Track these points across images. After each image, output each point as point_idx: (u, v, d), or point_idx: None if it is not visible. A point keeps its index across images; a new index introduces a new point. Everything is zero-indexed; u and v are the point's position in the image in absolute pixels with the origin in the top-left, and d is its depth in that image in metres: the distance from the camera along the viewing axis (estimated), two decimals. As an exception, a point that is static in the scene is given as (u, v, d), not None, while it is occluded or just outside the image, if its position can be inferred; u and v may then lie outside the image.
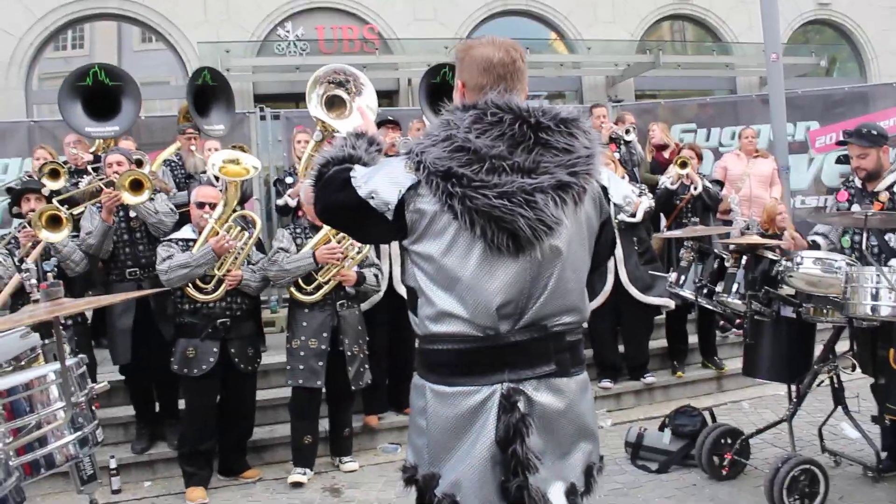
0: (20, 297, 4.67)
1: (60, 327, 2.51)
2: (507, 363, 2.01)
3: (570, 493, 2.07)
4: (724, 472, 4.83)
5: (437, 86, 7.33)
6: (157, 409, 5.83)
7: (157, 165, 7.05)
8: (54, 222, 5.21)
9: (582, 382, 2.14)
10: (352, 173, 2.12)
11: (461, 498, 2.00)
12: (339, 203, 2.14)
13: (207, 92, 7.75)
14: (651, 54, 12.49)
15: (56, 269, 5.38)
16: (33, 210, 5.33)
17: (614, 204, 2.25)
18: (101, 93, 7.23)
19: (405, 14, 12.23)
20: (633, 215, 6.46)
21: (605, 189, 2.21)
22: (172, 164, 7.24)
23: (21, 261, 5.19)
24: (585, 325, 2.29)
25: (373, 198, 2.03)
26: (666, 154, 8.28)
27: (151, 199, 5.49)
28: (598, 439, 2.21)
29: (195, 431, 5.11)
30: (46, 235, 5.16)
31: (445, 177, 1.95)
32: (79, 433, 2.62)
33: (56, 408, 2.56)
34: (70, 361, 2.68)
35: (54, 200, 5.46)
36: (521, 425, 1.96)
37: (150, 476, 5.58)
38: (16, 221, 6.73)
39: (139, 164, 6.28)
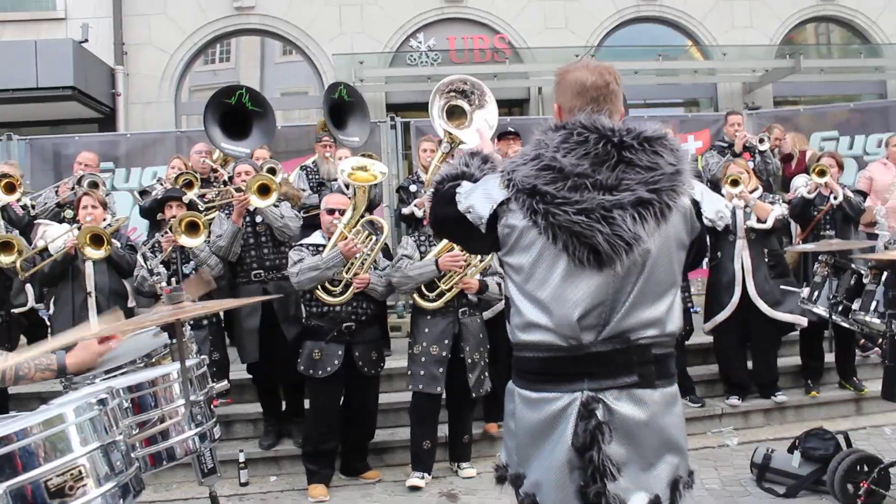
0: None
1: (182, 329, 2.68)
2: (588, 372, 2.10)
3: None
4: (860, 502, 4.57)
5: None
6: (284, 407, 6.07)
7: (292, 178, 7.43)
8: (192, 228, 5.55)
9: (668, 395, 2.18)
10: (458, 189, 2.30)
11: (541, 498, 2.13)
12: (445, 216, 2.35)
13: (343, 106, 8.11)
14: (791, 59, 11.99)
15: (195, 272, 5.71)
16: (174, 216, 5.69)
17: (707, 219, 2.27)
18: (240, 113, 7.79)
19: (536, 23, 12.24)
20: (763, 221, 6.22)
21: (697, 204, 2.24)
22: (308, 169, 7.57)
23: (163, 264, 5.56)
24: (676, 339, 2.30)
25: (470, 212, 2.21)
26: (792, 166, 7.94)
27: (277, 206, 5.74)
28: (686, 453, 2.24)
29: (319, 431, 5.29)
30: (185, 241, 5.52)
31: (531, 194, 2.08)
32: (198, 429, 2.78)
33: (178, 404, 2.75)
34: (191, 362, 2.87)
35: (203, 216, 5.82)
36: (597, 432, 2.04)
37: (276, 471, 5.82)
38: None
39: (272, 172, 6.57)
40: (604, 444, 2.04)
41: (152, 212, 6.81)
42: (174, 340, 2.99)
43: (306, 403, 5.61)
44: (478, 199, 2.21)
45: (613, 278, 2.08)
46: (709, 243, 6.69)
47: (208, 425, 2.83)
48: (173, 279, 5.64)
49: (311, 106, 12.39)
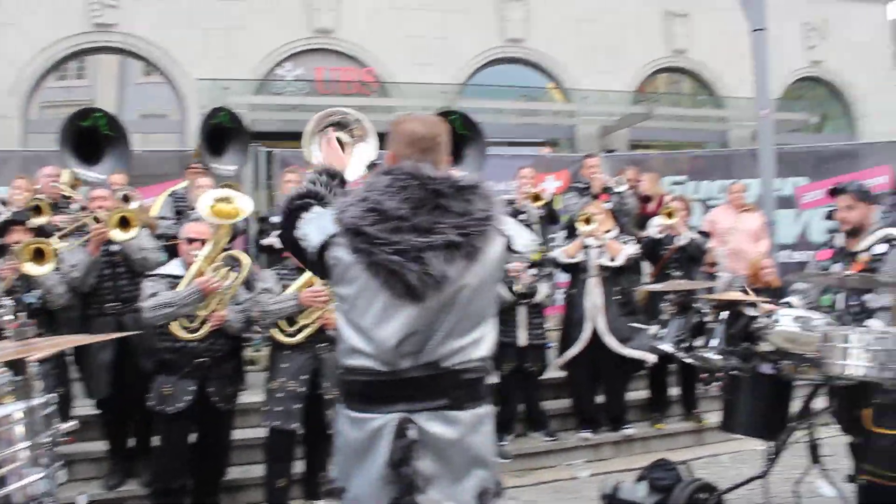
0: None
1: (29, 367, 2.52)
2: (404, 396, 2.34)
3: None
4: (699, 528, 4.80)
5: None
6: (132, 444, 5.78)
7: (160, 203, 7.15)
8: (39, 255, 5.21)
9: (477, 416, 2.41)
10: (304, 213, 2.51)
11: None
12: (286, 238, 2.56)
13: (224, 132, 7.88)
14: (646, 105, 12.64)
15: (40, 301, 5.38)
16: (17, 242, 5.33)
17: (516, 252, 2.59)
18: (95, 136, 7.41)
19: (404, 58, 12.38)
20: (613, 259, 6.50)
21: (509, 239, 2.51)
22: (176, 195, 7.29)
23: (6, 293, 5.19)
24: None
25: (303, 239, 2.46)
26: (650, 207, 8.34)
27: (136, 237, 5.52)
28: (494, 467, 2.48)
29: (168, 469, 5.06)
30: (30, 269, 5.16)
31: (356, 233, 2.30)
32: (40, 474, 2.62)
33: (18, 448, 2.58)
34: (38, 401, 2.69)
35: (51, 241, 5.46)
36: (409, 450, 2.27)
37: (121, 514, 5.52)
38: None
39: (126, 199, 6.30)
40: (415, 460, 2.27)
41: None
42: (20, 378, 2.81)
43: (156, 440, 5.38)
44: (312, 229, 2.44)
45: (427, 311, 2.31)
46: (565, 279, 7.01)
47: (53, 469, 2.66)
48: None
49: (171, 130, 12.03)
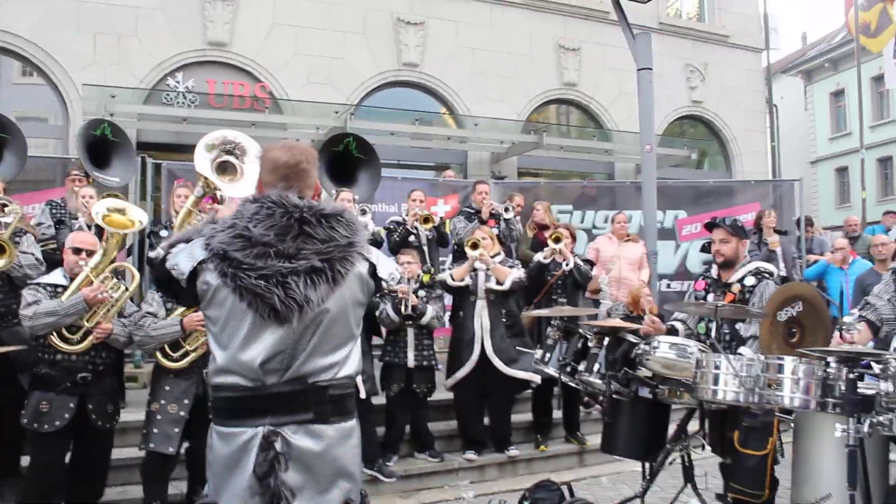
0: None
1: None
2: (269, 410, 2.41)
3: None
4: (579, 547, 4.94)
5: (339, 154, 7.70)
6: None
7: (38, 211, 6.87)
8: None
9: (343, 430, 2.52)
10: (172, 249, 2.59)
11: None
12: (161, 276, 2.61)
13: (106, 144, 7.62)
14: (535, 135, 12.98)
15: None
16: None
17: (380, 278, 2.66)
18: None
19: (300, 75, 12.32)
20: (502, 283, 6.65)
21: (374, 266, 2.63)
22: (54, 204, 7.00)
23: None
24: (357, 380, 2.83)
25: (174, 269, 2.51)
26: (547, 234, 8.55)
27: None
28: (359, 480, 2.59)
29: (40, 490, 4.81)
30: None
31: (223, 258, 2.40)
32: None
33: None
34: None
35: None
36: (274, 462, 2.35)
37: (-16, 537, 5.23)
38: None
39: (1, 208, 6.02)
40: (280, 471, 2.35)
41: None
42: None
43: (24, 460, 5.11)
44: (182, 258, 2.50)
45: (292, 332, 2.41)
46: (452, 303, 7.09)
47: None
48: None
49: (50, 135, 11.54)
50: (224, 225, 2.48)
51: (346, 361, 2.54)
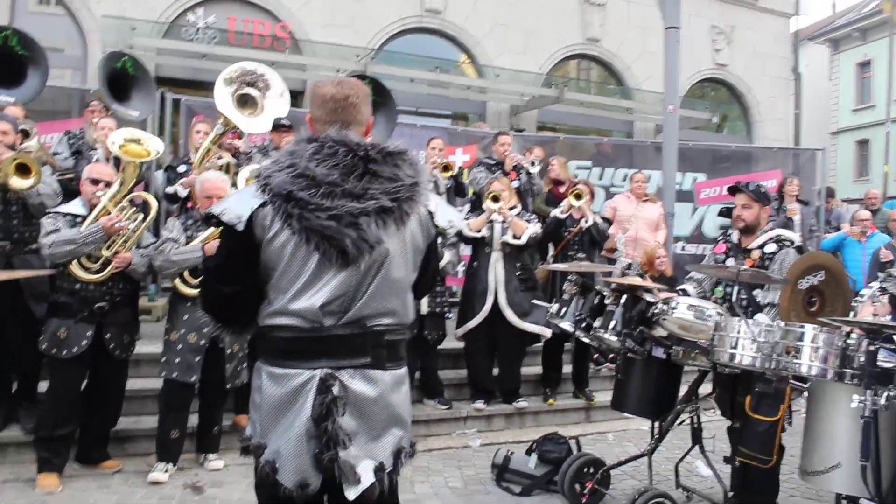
0: None
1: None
2: (327, 352, 2.35)
3: (378, 469, 2.38)
4: (584, 500, 4.97)
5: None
6: (14, 389, 5.56)
7: (55, 142, 6.86)
8: None
9: (397, 377, 2.47)
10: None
11: (280, 465, 2.34)
12: (214, 259, 2.52)
13: (126, 78, 7.58)
14: (556, 89, 12.83)
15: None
16: None
17: (438, 225, 2.55)
18: (7, 58, 6.96)
19: (321, 17, 12.19)
20: (518, 237, 6.62)
21: (431, 213, 2.52)
22: (71, 134, 6.98)
23: None
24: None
25: (224, 213, 2.33)
26: (562, 189, 8.50)
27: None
28: (409, 427, 2.54)
29: (56, 415, 4.90)
30: None
31: (287, 199, 2.27)
32: None
33: None
34: None
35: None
36: (332, 406, 2.29)
37: (0, 460, 5.30)
38: None
39: (25, 134, 6.02)
40: (338, 416, 2.29)
41: None
42: None
43: (42, 386, 5.18)
44: (232, 202, 2.37)
45: (355, 274, 2.33)
46: (466, 253, 7.08)
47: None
48: None
49: (71, 66, 11.45)
50: (281, 164, 2.33)
51: (404, 307, 2.49)
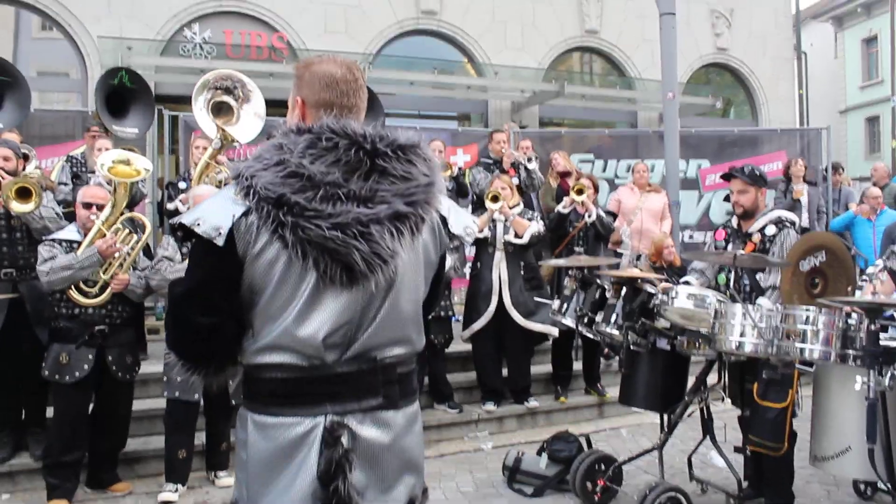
0: None
1: None
2: (331, 395, 1.92)
3: None
4: (597, 498, 4.92)
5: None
6: (24, 416, 5.57)
7: (58, 168, 6.86)
8: None
9: (410, 415, 2.07)
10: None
11: None
12: (191, 274, 2.00)
13: (124, 93, 7.58)
14: (556, 83, 12.77)
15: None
16: None
17: (453, 234, 2.14)
18: None
19: (316, 25, 12.17)
20: (520, 236, 6.58)
21: (444, 219, 2.11)
22: (74, 160, 7.01)
23: None
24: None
25: (198, 224, 1.85)
26: (570, 181, 8.44)
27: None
28: (423, 471, 2.16)
29: (63, 441, 4.90)
30: None
31: (277, 204, 1.82)
32: None
33: None
34: None
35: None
36: (343, 461, 1.88)
37: (10, 488, 5.30)
38: None
39: (25, 158, 6.04)
40: (350, 472, 1.89)
41: None
42: None
43: (49, 412, 5.19)
44: (209, 210, 1.88)
45: (361, 296, 1.90)
46: (470, 254, 7.03)
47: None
48: None
49: (71, 89, 11.55)
50: (267, 162, 1.87)
51: (418, 333, 2.08)
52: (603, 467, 4.97)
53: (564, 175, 8.60)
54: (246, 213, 1.85)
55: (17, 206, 5.08)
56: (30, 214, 5.15)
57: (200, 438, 5.45)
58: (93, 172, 6.58)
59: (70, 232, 5.05)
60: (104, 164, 5.04)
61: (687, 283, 4.95)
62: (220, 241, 1.84)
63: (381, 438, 1.97)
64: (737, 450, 4.69)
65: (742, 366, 4.59)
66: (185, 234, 1.89)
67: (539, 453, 5.47)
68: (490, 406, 6.76)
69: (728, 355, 4.36)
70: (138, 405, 5.60)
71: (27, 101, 7.30)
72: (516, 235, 6.60)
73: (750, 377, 4.55)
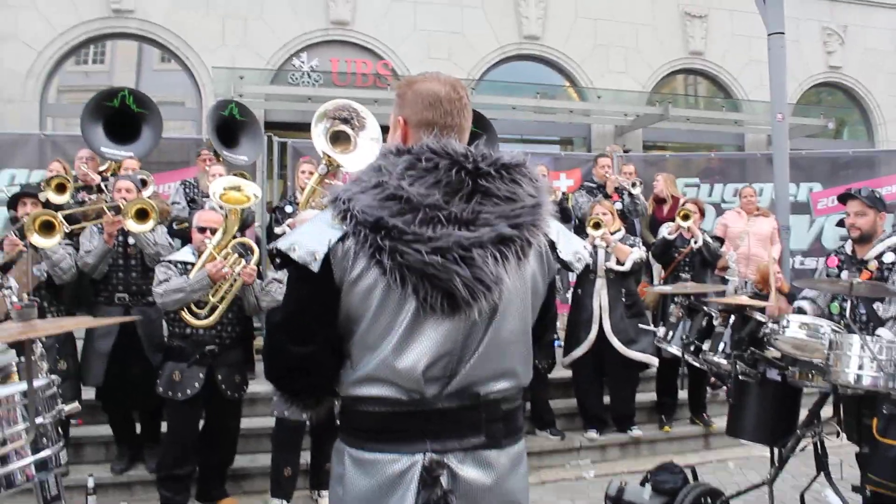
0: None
1: (31, 349, 2.53)
2: (431, 431, 1.84)
3: None
4: (703, 532, 4.78)
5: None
6: (139, 430, 5.84)
7: (173, 193, 7.29)
8: (47, 228, 5.27)
9: (515, 455, 1.96)
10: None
11: None
12: (288, 295, 1.96)
13: (234, 124, 7.96)
14: (661, 106, 12.58)
15: (46, 275, 5.45)
16: (27, 214, 5.39)
17: (562, 261, 2.03)
18: (124, 116, 7.54)
19: (420, 52, 12.37)
20: (622, 263, 6.49)
21: (553, 244, 2.00)
22: (188, 184, 7.35)
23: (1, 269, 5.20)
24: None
25: (293, 250, 1.81)
26: (665, 210, 8.29)
27: (153, 230, 5.55)
28: None
29: (175, 455, 5.12)
30: (38, 240, 5.23)
31: (375, 228, 1.76)
32: (39, 455, 2.60)
33: (20, 428, 2.57)
34: (39, 383, 2.69)
35: (59, 214, 5.43)
36: (442, 502, 1.80)
37: (127, 498, 5.57)
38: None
39: (143, 183, 6.36)
40: None
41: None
42: (23, 358, 2.81)
43: (163, 427, 5.42)
44: (304, 236, 1.83)
45: (463, 325, 1.81)
46: (572, 278, 6.97)
47: (53, 450, 2.65)
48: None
49: (187, 118, 12.07)
50: (365, 185, 1.80)
51: (525, 366, 1.97)
52: (710, 501, 4.81)
53: (659, 201, 8.44)
54: (343, 238, 1.79)
55: (135, 227, 5.36)
56: (144, 237, 5.42)
57: (305, 458, 5.56)
58: (206, 196, 6.88)
59: (185, 254, 5.29)
60: (216, 191, 5.25)
61: (801, 310, 4.77)
62: (315, 267, 1.79)
63: (482, 480, 1.87)
64: (855, 489, 4.46)
65: (859, 400, 4.38)
66: (281, 259, 1.84)
67: (643, 484, 5.32)
68: (592, 434, 6.66)
69: (844, 388, 4.17)
70: (246, 423, 5.78)
71: (159, 132, 7.74)
72: (618, 262, 6.52)
73: (868, 412, 4.33)
